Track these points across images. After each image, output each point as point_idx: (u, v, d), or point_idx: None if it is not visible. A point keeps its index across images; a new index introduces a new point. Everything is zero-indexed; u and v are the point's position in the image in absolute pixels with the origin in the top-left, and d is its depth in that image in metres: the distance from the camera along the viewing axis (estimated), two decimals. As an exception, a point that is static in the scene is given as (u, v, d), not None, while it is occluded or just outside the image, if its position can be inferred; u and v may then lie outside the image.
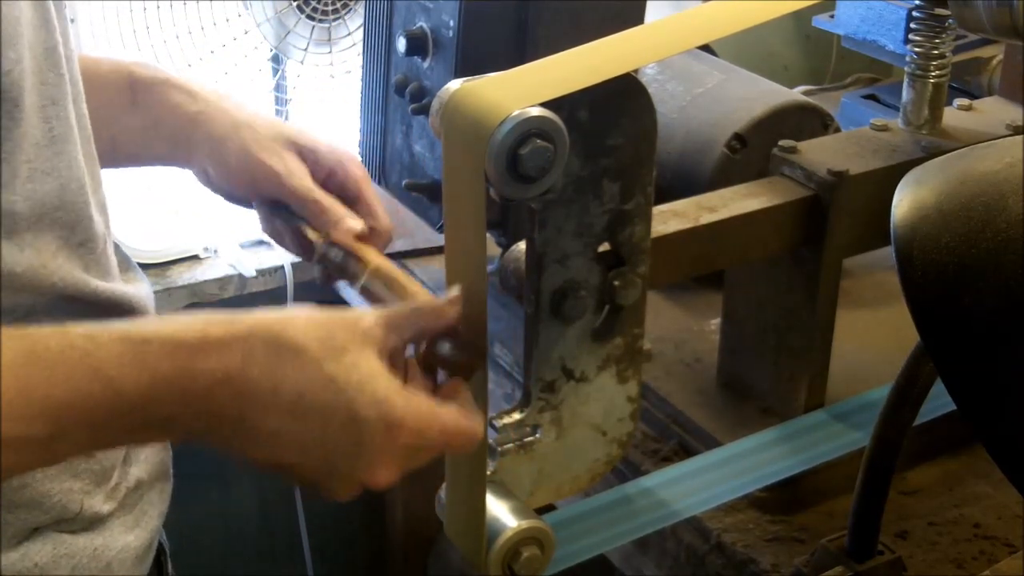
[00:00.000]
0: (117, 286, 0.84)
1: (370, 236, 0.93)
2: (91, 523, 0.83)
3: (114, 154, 0.93)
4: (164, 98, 0.94)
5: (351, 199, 0.94)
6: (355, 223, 0.91)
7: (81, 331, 0.67)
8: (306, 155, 0.94)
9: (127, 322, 0.70)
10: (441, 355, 0.78)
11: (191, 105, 0.94)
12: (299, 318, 0.71)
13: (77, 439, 0.67)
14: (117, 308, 0.83)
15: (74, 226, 0.78)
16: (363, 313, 0.74)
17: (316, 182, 0.94)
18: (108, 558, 0.84)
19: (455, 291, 0.78)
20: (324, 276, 0.92)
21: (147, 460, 0.90)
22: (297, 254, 0.98)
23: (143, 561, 0.89)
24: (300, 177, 0.92)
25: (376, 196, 0.96)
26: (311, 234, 0.91)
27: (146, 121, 0.87)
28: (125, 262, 0.90)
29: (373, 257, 0.89)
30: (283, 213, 0.95)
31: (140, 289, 0.88)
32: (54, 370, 0.65)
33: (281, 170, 0.92)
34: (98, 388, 0.66)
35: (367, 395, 0.70)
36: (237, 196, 0.97)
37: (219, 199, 1.00)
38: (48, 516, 0.80)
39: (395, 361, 0.75)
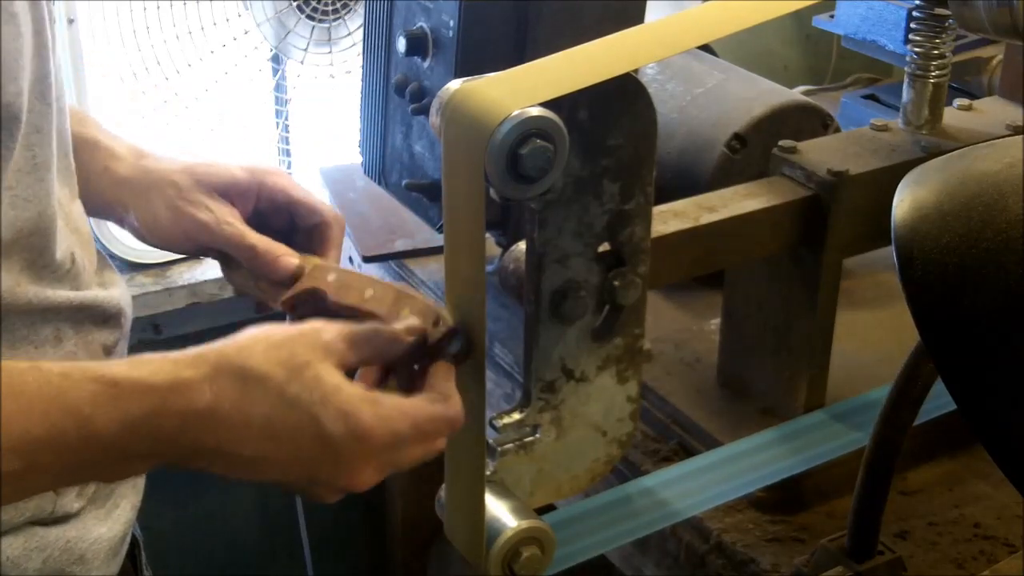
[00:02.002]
0: (88, 293, 0.85)
1: (321, 231, 0.93)
2: (64, 517, 0.84)
3: None
4: (91, 161, 0.94)
5: (285, 209, 0.94)
6: (290, 261, 0.90)
7: (57, 369, 0.69)
8: (228, 192, 0.94)
9: (100, 363, 0.73)
10: (422, 364, 0.79)
11: (116, 169, 0.95)
12: (259, 343, 0.73)
13: (50, 474, 0.69)
14: (89, 312, 0.84)
15: (42, 250, 0.79)
16: (324, 327, 0.76)
17: (247, 211, 0.94)
18: (81, 550, 0.85)
19: (412, 320, 0.79)
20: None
21: None
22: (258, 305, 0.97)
23: (117, 553, 0.89)
24: (231, 223, 0.92)
25: (309, 193, 0.96)
26: (271, 303, 0.91)
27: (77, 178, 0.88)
28: (101, 263, 0.90)
29: (324, 286, 0.87)
30: (225, 262, 0.95)
31: (112, 293, 0.88)
32: (32, 406, 0.67)
33: (210, 221, 0.92)
34: (72, 425, 0.67)
35: (331, 410, 0.72)
36: (175, 248, 0.97)
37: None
38: (23, 518, 0.81)
39: (359, 374, 0.77)
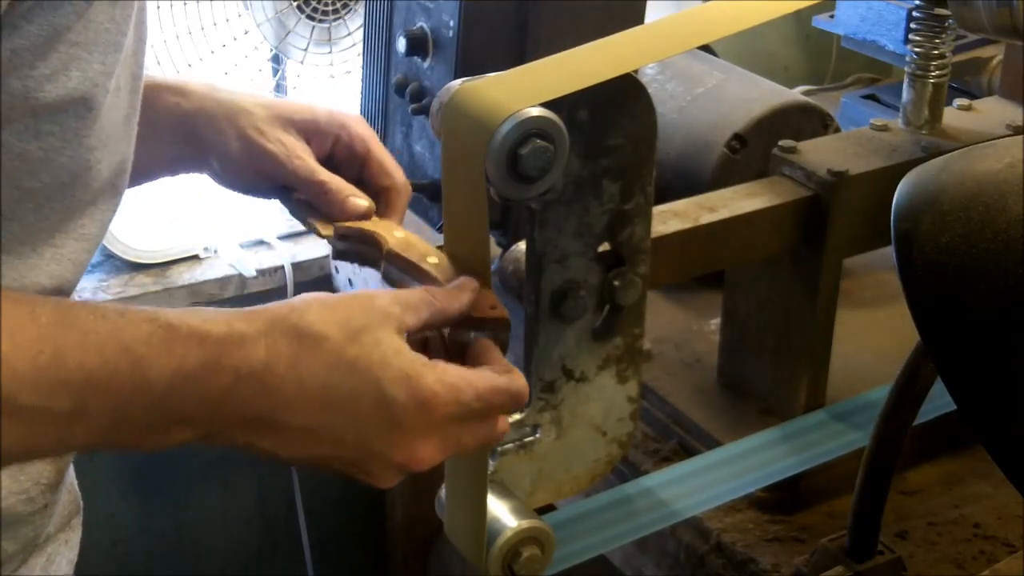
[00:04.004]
0: None
1: (388, 196, 0.90)
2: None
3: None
4: (157, 103, 0.90)
5: (360, 161, 0.91)
6: (360, 202, 0.87)
7: (111, 306, 0.65)
8: (306, 129, 0.91)
9: (153, 307, 0.68)
10: (464, 340, 0.76)
11: (186, 103, 0.91)
12: (314, 305, 0.69)
13: (95, 421, 0.64)
14: None
15: None
16: (377, 293, 0.72)
17: (322, 154, 0.91)
18: None
19: (465, 281, 0.76)
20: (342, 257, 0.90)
21: (58, 515, 0.85)
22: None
23: None
24: (301, 158, 0.89)
25: (387, 153, 0.92)
26: (322, 229, 0.88)
27: (144, 130, 0.85)
28: None
29: (388, 237, 0.84)
30: (292, 199, 0.91)
31: None
32: (86, 338, 0.63)
33: (280, 153, 0.88)
34: (125, 365, 0.63)
35: (393, 372, 0.68)
36: (247, 186, 0.93)
37: (230, 196, 0.96)
38: None
39: (416, 343, 0.73)
